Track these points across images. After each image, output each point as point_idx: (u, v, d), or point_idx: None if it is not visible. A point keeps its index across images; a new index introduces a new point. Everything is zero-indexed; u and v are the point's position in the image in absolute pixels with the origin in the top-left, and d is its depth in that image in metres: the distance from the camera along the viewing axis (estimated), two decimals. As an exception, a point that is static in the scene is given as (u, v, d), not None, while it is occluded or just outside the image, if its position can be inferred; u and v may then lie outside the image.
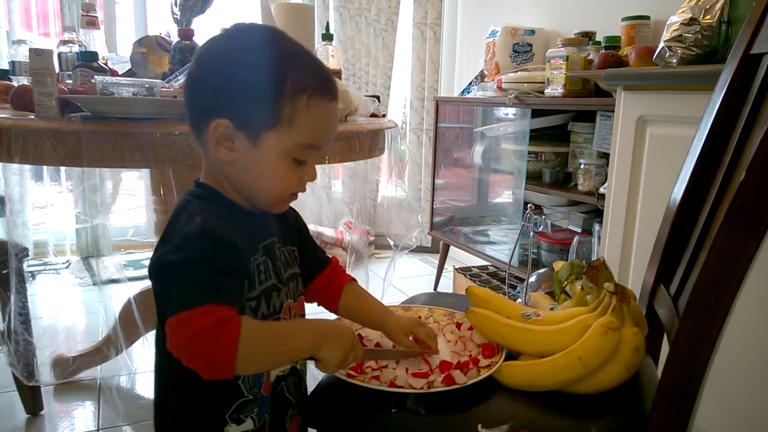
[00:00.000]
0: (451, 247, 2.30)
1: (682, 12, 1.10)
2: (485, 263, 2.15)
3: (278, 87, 0.56)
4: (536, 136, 1.81)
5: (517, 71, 1.92)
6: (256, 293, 0.59)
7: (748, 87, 0.64)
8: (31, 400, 1.35)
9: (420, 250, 2.78)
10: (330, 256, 0.75)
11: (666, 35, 1.11)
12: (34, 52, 0.98)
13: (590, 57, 1.61)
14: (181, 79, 1.16)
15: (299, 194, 0.63)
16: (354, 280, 0.75)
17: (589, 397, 0.62)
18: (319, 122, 0.59)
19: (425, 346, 0.68)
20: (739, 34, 0.67)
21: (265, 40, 0.59)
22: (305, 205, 2.64)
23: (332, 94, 0.59)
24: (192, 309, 0.50)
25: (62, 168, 1.95)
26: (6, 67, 1.69)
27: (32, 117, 0.98)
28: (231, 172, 0.59)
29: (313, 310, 0.74)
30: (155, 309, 0.59)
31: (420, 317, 0.79)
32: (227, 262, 0.54)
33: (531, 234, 1.80)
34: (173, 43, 1.30)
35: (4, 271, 1.23)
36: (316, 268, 0.73)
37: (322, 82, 0.58)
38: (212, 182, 0.61)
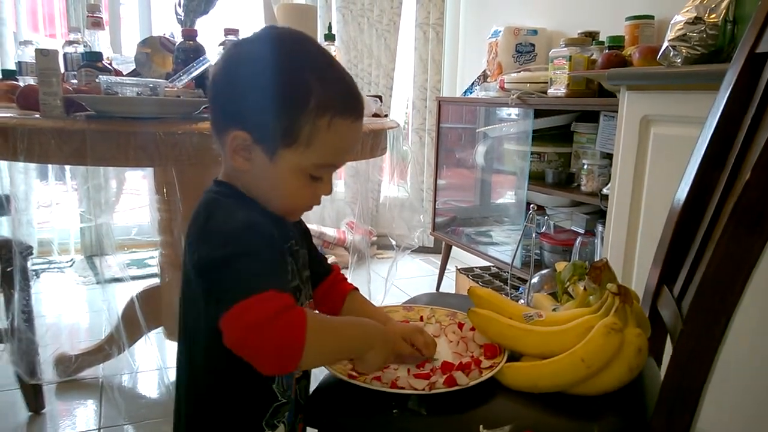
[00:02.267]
0: (454, 248, 2.30)
1: (687, 11, 1.09)
2: (487, 264, 2.14)
3: (300, 105, 0.54)
4: (539, 136, 1.81)
5: (519, 71, 1.91)
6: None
7: (754, 87, 0.63)
8: (33, 398, 1.36)
9: (422, 250, 2.78)
10: (332, 264, 0.76)
11: (670, 34, 1.11)
12: (40, 53, 0.98)
13: (593, 57, 1.60)
14: (185, 78, 1.17)
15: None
16: (356, 289, 0.75)
17: (592, 398, 0.62)
18: (339, 143, 0.58)
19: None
20: (744, 33, 0.67)
21: (294, 50, 0.57)
22: (308, 205, 2.64)
23: (356, 114, 0.58)
24: (254, 295, 0.48)
25: (67, 167, 1.96)
26: (13, 67, 1.70)
27: (37, 116, 0.99)
28: (247, 180, 0.59)
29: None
30: (178, 316, 0.58)
31: (422, 317, 0.79)
32: (275, 255, 0.54)
33: (533, 235, 1.79)
34: (177, 44, 1.30)
35: (9, 269, 1.23)
36: (320, 274, 0.73)
37: (348, 102, 0.57)
38: (231, 182, 0.61)
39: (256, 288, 0.49)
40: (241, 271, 0.51)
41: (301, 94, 0.55)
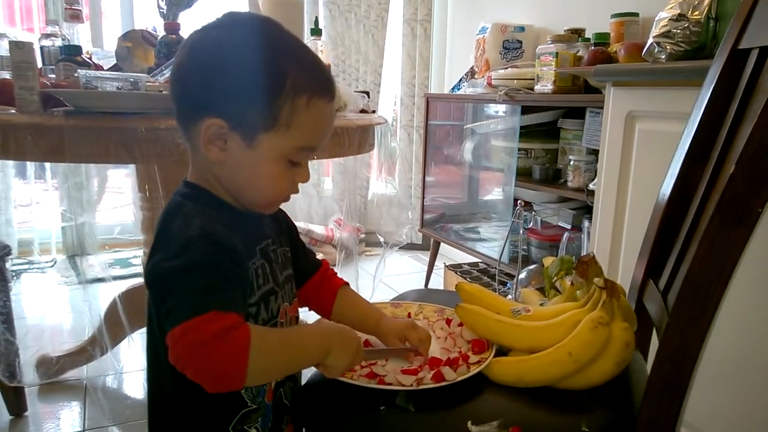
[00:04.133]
0: (442, 244, 2.30)
1: (671, 8, 1.10)
2: (476, 260, 2.15)
3: (278, 87, 0.53)
4: (526, 132, 1.81)
5: (507, 68, 1.91)
6: (256, 299, 0.58)
7: (736, 82, 0.64)
8: (15, 400, 1.33)
9: (410, 247, 2.78)
10: (321, 259, 0.74)
11: (655, 31, 1.11)
12: (15, 45, 0.96)
13: (580, 53, 1.61)
14: (167, 73, 1.14)
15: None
16: (347, 284, 0.74)
17: (580, 392, 0.62)
18: (318, 123, 0.57)
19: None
20: (727, 29, 0.67)
21: (263, 33, 0.56)
22: (295, 202, 2.62)
23: (331, 94, 0.58)
24: (197, 317, 0.47)
25: (47, 165, 1.92)
26: (-13, 61, 1.65)
27: (13, 111, 0.96)
28: (221, 173, 0.57)
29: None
30: (146, 316, 0.57)
31: (410, 314, 0.78)
32: (230, 267, 0.52)
33: (521, 230, 1.80)
34: (159, 38, 1.28)
35: (-14, 270, 1.20)
36: (307, 271, 0.71)
37: (322, 82, 0.56)
38: (201, 181, 0.58)
39: (198, 309, 0.47)
40: (186, 288, 0.49)
41: (277, 75, 0.53)
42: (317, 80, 0.56)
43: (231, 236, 0.53)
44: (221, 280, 0.50)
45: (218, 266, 0.51)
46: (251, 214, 0.60)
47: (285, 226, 0.69)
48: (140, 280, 1.53)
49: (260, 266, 0.59)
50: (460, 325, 0.72)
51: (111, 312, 1.42)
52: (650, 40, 1.12)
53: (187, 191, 0.58)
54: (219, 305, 0.48)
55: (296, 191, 0.60)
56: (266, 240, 0.62)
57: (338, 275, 0.75)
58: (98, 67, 1.28)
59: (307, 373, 0.67)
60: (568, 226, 1.68)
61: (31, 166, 2.17)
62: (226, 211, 0.58)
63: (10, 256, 1.30)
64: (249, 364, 0.48)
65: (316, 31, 1.56)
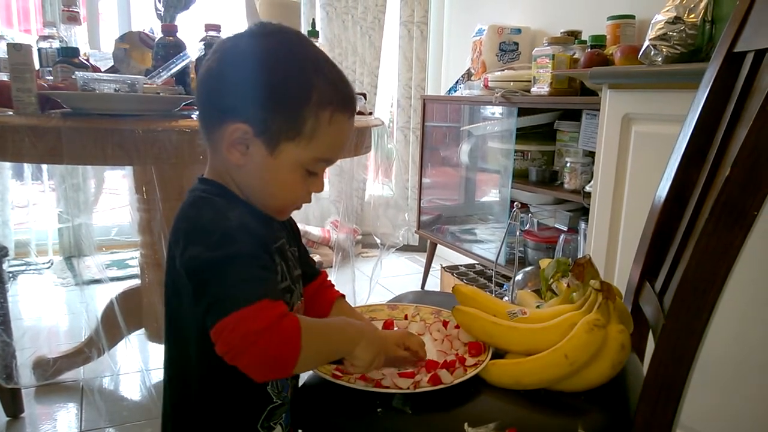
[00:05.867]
0: (439, 246, 2.30)
1: (667, 11, 1.11)
2: (472, 262, 2.15)
3: (304, 98, 0.55)
4: (522, 134, 1.82)
5: (503, 70, 1.92)
6: None
7: (732, 85, 0.64)
8: (11, 402, 1.32)
9: (407, 248, 2.78)
10: (320, 270, 0.76)
11: (651, 34, 1.12)
12: (12, 47, 0.96)
13: (576, 56, 1.62)
14: (164, 75, 1.14)
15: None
16: (343, 296, 0.75)
17: (576, 394, 0.62)
18: (338, 138, 0.59)
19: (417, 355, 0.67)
20: (722, 32, 0.68)
21: (293, 46, 0.58)
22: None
23: (353, 111, 0.60)
24: (253, 304, 0.48)
25: (44, 166, 1.91)
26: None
27: (10, 113, 0.96)
28: (238, 175, 0.58)
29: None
30: (166, 314, 0.57)
31: (406, 315, 0.79)
32: (268, 258, 0.53)
33: (517, 232, 1.81)
34: (156, 39, 1.27)
35: (-18, 272, 1.20)
36: (308, 275, 0.72)
37: (346, 98, 0.58)
38: (218, 180, 0.59)
39: (249, 297, 0.48)
40: (233, 277, 0.50)
41: (304, 87, 0.55)
42: (341, 96, 0.57)
43: (263, 228, 0.55)
44: (264, 270, 0.52)
45: (259, 257, 0.52)
46: (265, 215, 0.61)
47: (290, 227, 0.70)
48: (137, 281, 1.52)
49: (278, 264, 0.60)
50: (457, 327, 0.73)
51: (108, 313, 1.41)
52: (646, 43, 1.13)
53: (207, 187, 0.59)
54: (269, 293, 0.49)
55: (309, 201, 0.61)
56: (281, 240, 0.63)
57: (335, 276, 0.76)
58: (95, 69, 1.28)
59: (304, 375, 0.67)
60: (565, 228, 1.69)
61: (28, 168, 2.16)
62: (248, 209, 0.59)
63: (7, 258, 1.29)
64: (301, 350, 0.49)
65: (313, 33, 1.56)
